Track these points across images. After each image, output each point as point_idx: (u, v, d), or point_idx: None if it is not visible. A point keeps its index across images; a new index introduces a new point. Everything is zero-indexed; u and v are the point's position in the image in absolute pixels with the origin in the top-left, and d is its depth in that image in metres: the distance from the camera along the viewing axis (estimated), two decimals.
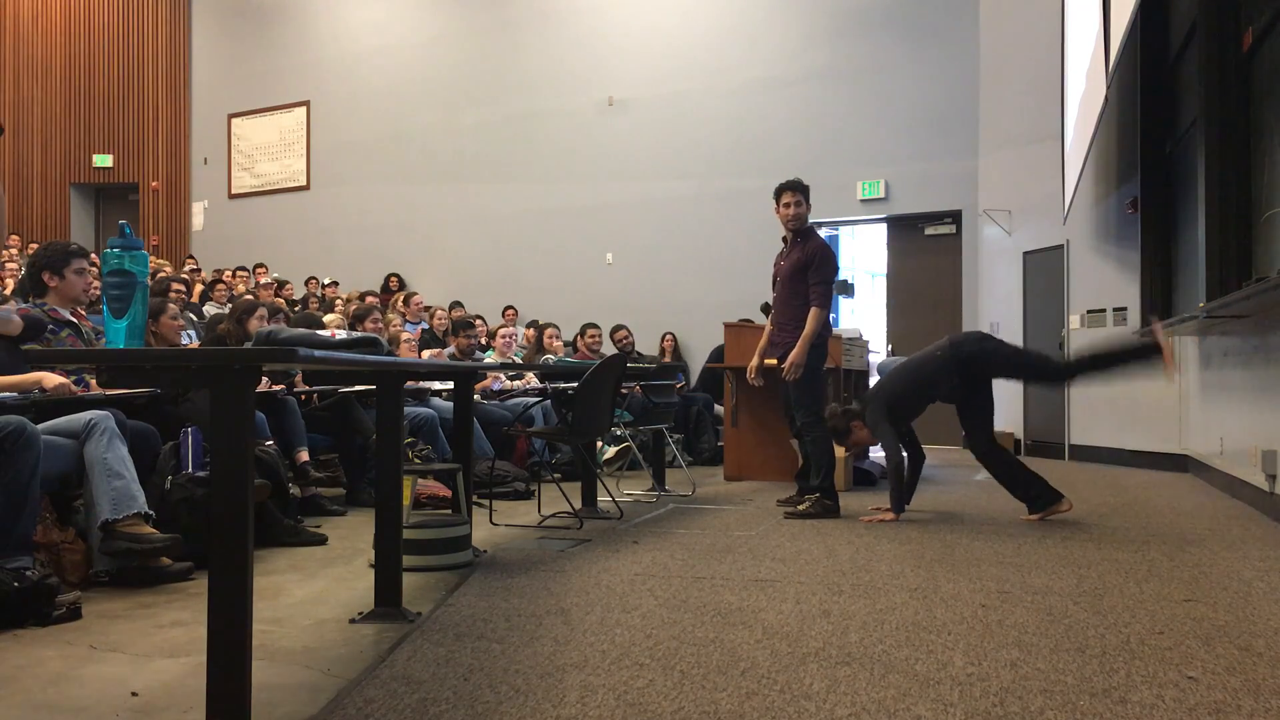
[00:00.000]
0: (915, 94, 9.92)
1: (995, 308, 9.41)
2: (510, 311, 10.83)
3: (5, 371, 3.36)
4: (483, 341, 8.21)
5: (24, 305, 3.91)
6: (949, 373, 4.77)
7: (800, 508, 4.82)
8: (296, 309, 8.39)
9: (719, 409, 7.90)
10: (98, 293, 4.44)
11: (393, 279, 12.07)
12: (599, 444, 6.79)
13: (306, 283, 11.85)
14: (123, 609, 2.91)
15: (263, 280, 11.30)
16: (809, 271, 4.91)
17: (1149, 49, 7.15)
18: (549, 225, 11.66)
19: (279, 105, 13.58)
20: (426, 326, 8.93)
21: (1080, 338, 8.31)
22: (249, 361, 1.89)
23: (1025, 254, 9.03)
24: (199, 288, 9.74)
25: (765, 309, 7.12)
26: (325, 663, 2.39)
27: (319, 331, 3.65)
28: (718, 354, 8.86)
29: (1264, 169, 4.64)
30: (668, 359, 9.78)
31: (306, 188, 13.40)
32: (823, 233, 10.86)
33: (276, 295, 10.03)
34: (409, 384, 5.72)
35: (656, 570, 3.43)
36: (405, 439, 4.97)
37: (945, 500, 5.45)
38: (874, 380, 8.38)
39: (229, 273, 11.02)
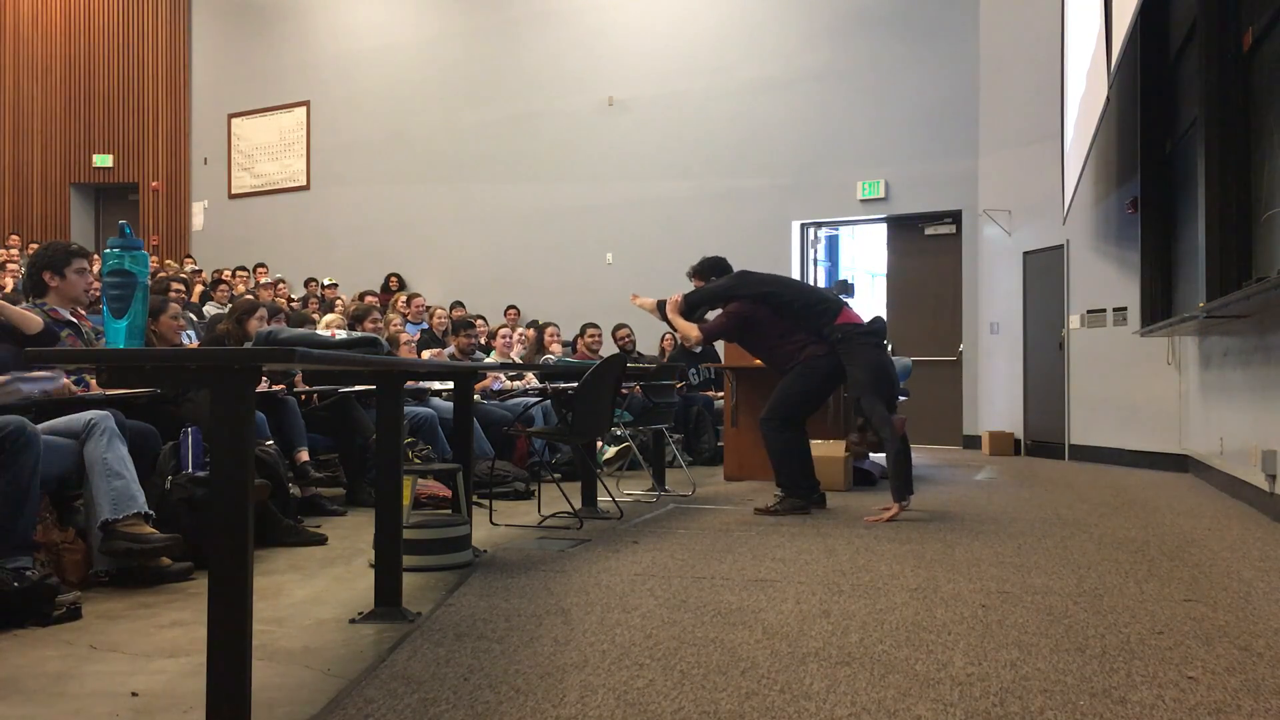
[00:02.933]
0: (915, 94, 9.92)
1: (995, 308, 9.41)
2: (512, 311, 10.83)
3: (5, 371, 3.36)
4: (483, 341, 8.21)
5: (24, 305, 3.91)
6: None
7: (771, 505, 4.84)
8: (292, 306, 8.38)
9: (718, 405, 7.90)
10: (98, 293, 4.44)
11: (393, 279, 12.07)
12: (599, 444, 6.78)
13: (306, 284, 11.85)
14: (123, 609, 2.91)
15: (263, 280, 11.30)
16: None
17: (1149, 49, 7.15)
18: (549, 225, 11.66)
19: (279, 105, 13.58)
20: (426, 327, 8.93)
21: (1080, 338, 8.32)
22: (249, 361, 1.89)
23: (1025, 254, 9.03)
24: (199, 288, 9.74)
25: None
26: (325, 663, 2.39)
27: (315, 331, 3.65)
28: (678, 353, 8.94)
29: (1264, 169, 4.64)
30: (668, 359, 9.77)
31: (306, 188, 13.40)
32: (822, 233, 10.95)
33: (276, 295, 10.03)
34: (409, 384, 5.72)
35: (656, 570, 3.43)
36: (405, 439, 4.97)
37: (945, 500, 5.45)
38: None
39: (228, 273, 11.02)
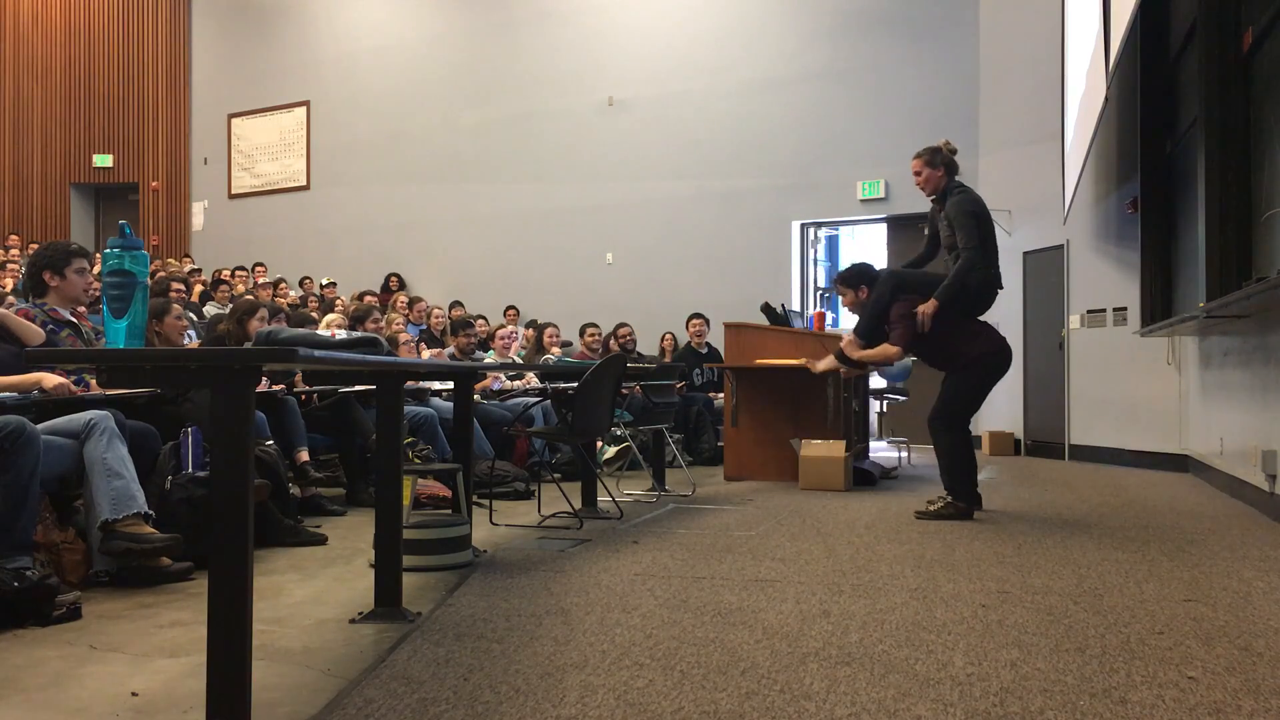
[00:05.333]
0: (915, 94, 9.92)
1: (995, 307, 9.34)
2: (511, 311, 10.84)
3: (6, 372, 3.36)
4: (483, 339, 8.21)
5: (24, 305, 3.91)
6: None
7: (931, 508, 4.72)
8: (291, 305, 8.37)
9: (718, 405, 7.90)
10: (98, 293, 4.44)
11: (393, 279, 12.07)
12: (599, 444, 6.78)
13: (302, 283, 11.85)
14: (123, 609, 2.91)
15: (262, 280, 11.30)
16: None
17: (1149, 49, 7.15)
18: (549, 225, 11.66)
19: (279, 105, 13.58)
20: (424, 327, 8.93)
21: (1080, 338, 8.32)
22: (249, 361, 1.89)
23: (1025, 254, 9.02)
24: (198, 288, 9.74)
25: (765, 309, 7.11)
26: (325, 663, 2.39)
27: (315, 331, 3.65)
28: (684, 353, 8.94)
29: (1264, 169, 4.63)
30: (668, 359, 9.78)
31: (306, 188, 13.40)
32: (822, 233, 10.94)
33: (276, 296, 10.03)
34: (409, 384, 5.72)
35: (656, 570, 3.43)
36: (405, 439, 4.97)
37: None
38: (874, 381, 8.38)
39: (227, 272, 11.01)
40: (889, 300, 4.92)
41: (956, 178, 5.01)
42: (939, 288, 4.83)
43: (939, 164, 4.97)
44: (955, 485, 4.74)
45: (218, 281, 9.92)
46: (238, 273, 11.41)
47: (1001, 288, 5.00)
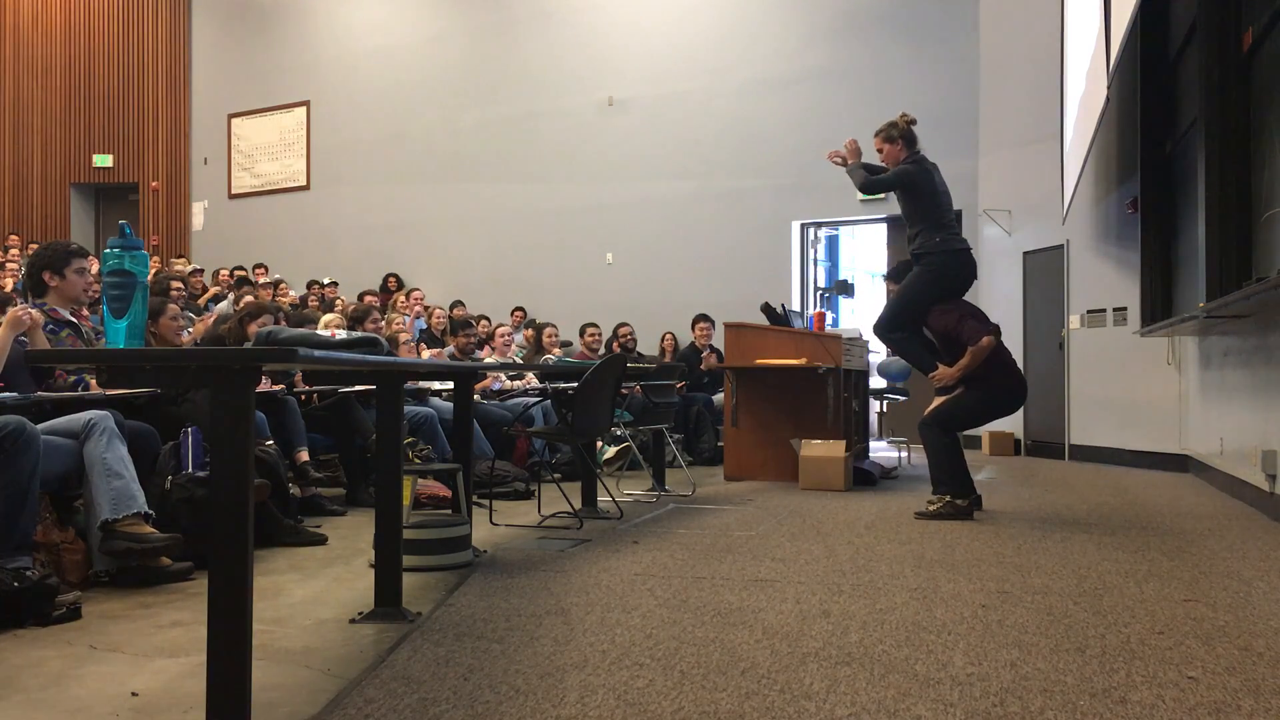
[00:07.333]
0: (915, 94, 9.89)
1: (995, 308, 9.38)
2: (519, 313, 10.85)
3: (12, 368, 3.36)
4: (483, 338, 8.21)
5: (27, 306, 3.91)
6: None
7: (931, 508, 4.73)
8: (288, 306, 8.37)
9: (718, 401, 7.89)
10: (98, 293, 4.43)
11: (391, 279, 12.07)
12: (599, 444, 6.78)
13: (310, 286, 11.85)
14: (123, 609, 2.91)
15: (262, 280, 11.30)
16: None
17: (1149, 49, 7.15)
18: (549, 225, 11.66)
19: (279, 105, 13.58)
20: (424, 326, 8.93)
21: (1080, 338, 8.32)
22: (249, 361, 1.89)
23: (1025, 254, 9.03)
24: (212, 290, 9.73)
25: (765, 309, 7.11)
26: (325, 663, 2.39)
27: (315, 330, 3.65)
28: (686, 354, 8.93)
29: (1264, 169, 4.64)
30: (668, 359, 9.78)
31: (306, 188, 13.40)
32: (822, 233, 10.94)
33: (276, 296, 10.03)
34: (409, 384, 5.71)
35: (656, 570, 3.43)
36: (405, 439, 4.97)
37: None
38: (874, 381, 8.38)
39: (226, 272, 11.01)
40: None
41: (916, 148, 5.07)
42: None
43: (896, 137, 5.07)
44: (953, 484, 4.75)
45: (242, 281, 9.88)
46: (237, 272, 11.40)
47: (971, 261, 5.07)
